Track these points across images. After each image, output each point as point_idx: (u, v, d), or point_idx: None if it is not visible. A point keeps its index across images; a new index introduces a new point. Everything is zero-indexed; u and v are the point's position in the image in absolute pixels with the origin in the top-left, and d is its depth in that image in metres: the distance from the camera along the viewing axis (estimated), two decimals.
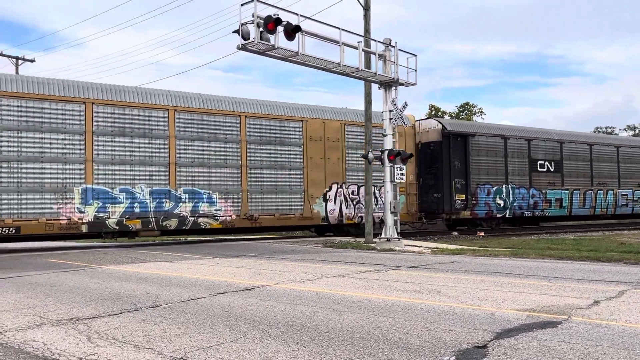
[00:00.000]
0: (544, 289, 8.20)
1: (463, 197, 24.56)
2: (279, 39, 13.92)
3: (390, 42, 17.36)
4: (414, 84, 17.92)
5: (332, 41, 15.61)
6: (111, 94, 17.65)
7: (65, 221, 16.63)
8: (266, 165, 20.23)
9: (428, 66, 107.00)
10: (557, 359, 4.61)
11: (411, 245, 16.95)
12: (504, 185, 25.97)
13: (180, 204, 18.42)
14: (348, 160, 22.04)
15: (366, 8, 18.68)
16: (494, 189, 25.66)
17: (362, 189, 21.46)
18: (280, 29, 13.74)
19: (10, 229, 15.87)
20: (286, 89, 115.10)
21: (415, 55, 17.84)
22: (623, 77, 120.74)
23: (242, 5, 13.60)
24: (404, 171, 17.50)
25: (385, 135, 17.37)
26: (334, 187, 21.63)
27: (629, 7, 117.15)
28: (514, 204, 26.27)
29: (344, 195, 21.78)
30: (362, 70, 16.57)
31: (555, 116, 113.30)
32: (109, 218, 17.26)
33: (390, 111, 17.34)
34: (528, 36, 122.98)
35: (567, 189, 28.36)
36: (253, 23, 13.46)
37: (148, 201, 17.90)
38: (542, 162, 27.65)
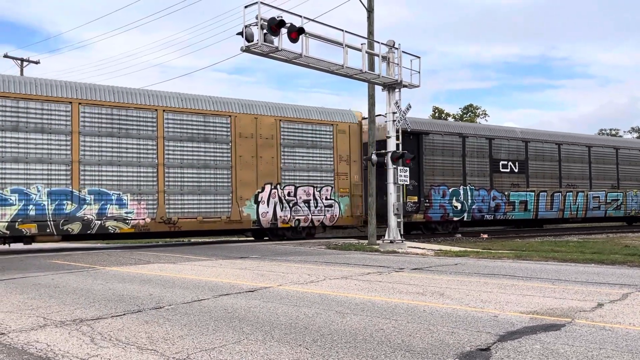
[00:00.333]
0: (547, 291, 8.18)
1: (415, 199, 23.17)
2: (282, 40, 13.93)
3: (393, 44, 17.36)
4: (418, 86, 17.91)
5: (336, 43, 15.62)
6: (5, 85, 16.19)
7: None
8: (187, 164, 18.68)
9: (432, 68, 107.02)
10: None
11: (414, 247, 16.94)
12: (461, 187, 24.56)
13: (85, 206, 16.89)
14: (284, 159, 20.56)
15: (370, 10, 18.69)
16: (451, 190, 24.24)
17: (299, 190, 20.66)
18: (284, 31, 13.75)
19: None
20: (290, 90, 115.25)
21: (419, 57, 17.84)
22: (628, 79, 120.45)
23: (245, 7, 13.62)
24: (407, 173, 17.49)
25: (389, 138, 17.36)
26: (267, 188, 20.16)
27: (634, 9, 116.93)
28: (473, 207, 24.85)
29: (279, 197, 20.31)
30: (365, 72, 16.57)
31: (560, 118, 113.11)
32: None
33: (394, 113, 17.33)
34: (532, 38, 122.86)
35: (533, 191, 26.86)
36: (257, 25, 13.48)
37: (46, 203, 16.41)
38: (505, 162, 26.19)
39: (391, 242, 16.72)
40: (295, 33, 13.84)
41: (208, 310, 6.87)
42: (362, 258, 13.86)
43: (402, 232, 17.21)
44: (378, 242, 17.56)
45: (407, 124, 17.80)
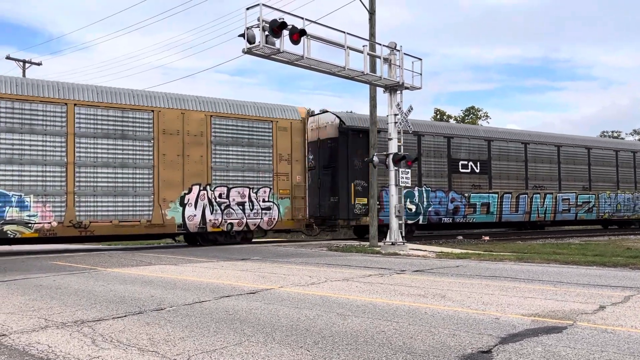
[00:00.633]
0: (549, 293, 8.17)
1: (364, 201, 21.76)
2: (284, 42, 13.95)
3: (395, 46, 17.37)
4: (419, 88, 17.92)
5: (338, 45, 15.64)
6: None
7: None
8: (102, 162, 17.27)
9: (434, 70, 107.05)
10: None
11: (416, 249, 16.93)
12: (416, 188, 23.19)
13: None
14: (216, 158, 19.13)
15: (371, 12, 18.70)
16: (404, 192, 22.60)
17: (232, 192, 19.30)
18: (285, 32, 13.77)
19: None
20: (292, 92, 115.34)
21: (421, 59, 17.85)
22: (630, 81, 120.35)
23: (247, 9, 13.64)
24: (409, 175, 17.48)
25: (390, 139, 17.37)
26: (196, 189, 18.74)
27: (636, 11, 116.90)
28: (429, 209, 23.58)
29: (209, 199, 18.85)
30: (367, 74, 16.59)
31: (562, 120, 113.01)
32: None
33: (395, 115, 17.34)
34: (534, 40, 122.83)
35: (496, 193, 25.48)
36: (259, 27, 13.51)
37: None
38: (465, 162, 24.77)
39: (392, 244, 16.72)
40: (297, 35, 13.86)
41: (209, 312, 6.87)
42: (363, 260, 13.86)
43: (403, 234, 17.21)
44: (379, 244, 17.56)
45: (409, 126, 17.80)
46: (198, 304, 7.44)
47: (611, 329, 5.80)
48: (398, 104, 17.38)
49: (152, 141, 18.11)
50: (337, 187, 21.91)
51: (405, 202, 22.43)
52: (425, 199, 23.44)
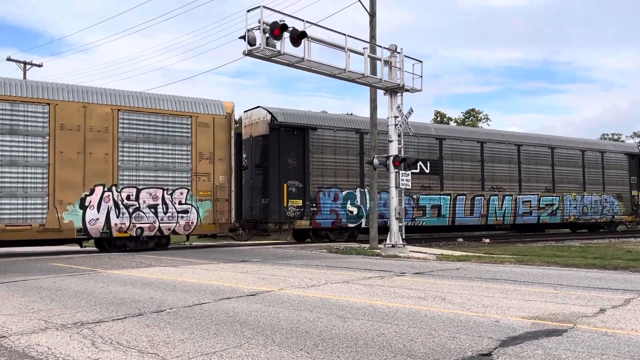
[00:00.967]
0: (549, 296, 8.16)
1: (299, 203, 20.57)
2: (285, 44, 13.96)
3: (395, 49, 17.38)
4: (420, 90, 17.93)
5: (338, 47, 15.65)
6: None
7: None
8: None
9: (435, 72, 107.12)
10: None
11: (416, 252, 16.93)
12: (358, 189, 21.94)
13: None
14: (124, 156, 17.52)
15: (372, 14, 18.72)
16: (344, 193, 21.65)
17: (143, 193, 17.72)
18: (286, 35, 13.77)
19: None
20: (292, 94, 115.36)
21: (421, 62, 17.86)
22: (631, 84, 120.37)
23: (248, 11, 13.66)
24: (409, 177, 17.48)
25: (391, 141, 17.37)
26: (99, 190, 17.12)
27: (637, 14, 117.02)
28: None
29: (115, 201, 17.27)
30: (367, 76, 16.59)
31: (563, 123, 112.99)
32: None
33: (396, 117, 17.35)
34: (535, 42, 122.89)
35: (449, 194, 24.15)
36: (259, 29, 13.51)
37: None
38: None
39: (393, 246, 16.71)
40: (298, 37, 13.87)
41: (209, 314, 6.86)
42: (364, 262, 13.85)
43: (403, 237, 17.20)
44: (380, 246, 17.55)
45: (409, 128, 17.81)
46: (198, 306, 7.43)
47: (611, 332, 5.79)
48: (398, 106, 17.39)
49: (47, 137, 16.50)
50: (268, 188, 20.52)
51: (345, 204, 21.41)
52: (367, 201, 21.87)
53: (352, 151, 22.19)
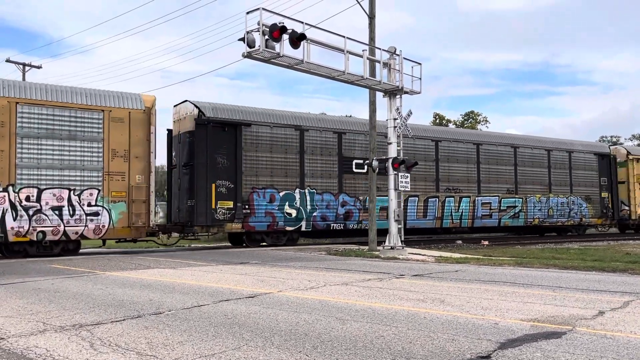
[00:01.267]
0: (548, 298, 8.16)
1: (230, 204, 19.27)
2: (284, 47, 13.97)
3: (395, 51, 17.40)
4: (419, 92, 17.94)
5: (337, 49, 15.67)
6: None
7: None
8: None
9: (434, 74, 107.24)
10: None
11: (415, 254, 16.93)
12: (297, 190, 20.63)
13: None
14: (23, 153, 16.22)
15: (371, 16, 18.74)
16: (282, 194, 20.33)
17: (46, 194, 16.39)
18: (285, 37, 13.79)
19: None
20: (292, 96, 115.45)
21: (420, 64, 17.88)
22: (630, 86, 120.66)
23: (247, 13, 13.66)
24: (408, 179, 17.48)
25: (390, 144, 17.38)
26: None
27: (636, 16, 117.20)
28: (314, 214, 20.89)
29: (11, 202, 15.91)
30: (366, 78, 16.60)
31: (562, 125, 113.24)
32: None
33: (395, 119, 17.36)
34: (535, 45, 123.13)
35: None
36: (258, 31, 13.52)
37: None
38: (361, 161, 21.85)
39: (392, 248, 16.71)
40: (297, 39, 13.89)
41: (208, 316, 6.86)
42: (363, 264, 13.85)
43: (402, 239, 17.20)
44: (379, 248, 17.55)
45: (408, 130, 17.82)
46: (197, 308, 7.43)
47: (610, 335, 5.79)
48: (397, 108, 17.40)
49: None
50: (194, 188, 19.12)
51: (283, 205, 20.34)
52: (308, 203, 20.76)
53: (291, 149, 20.82)
